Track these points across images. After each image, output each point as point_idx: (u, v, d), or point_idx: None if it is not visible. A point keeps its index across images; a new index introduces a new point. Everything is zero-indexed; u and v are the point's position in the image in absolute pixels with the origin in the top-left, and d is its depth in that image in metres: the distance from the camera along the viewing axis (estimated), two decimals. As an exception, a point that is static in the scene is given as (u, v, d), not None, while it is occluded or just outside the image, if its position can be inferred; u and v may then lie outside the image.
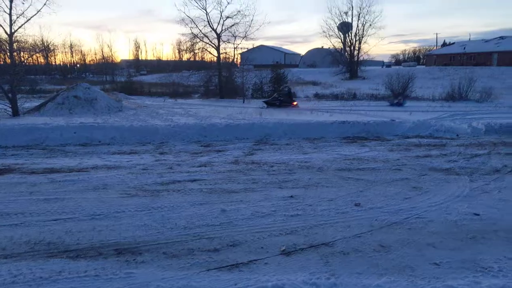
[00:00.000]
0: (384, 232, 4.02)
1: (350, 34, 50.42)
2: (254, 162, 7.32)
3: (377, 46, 63.54)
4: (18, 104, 16.17)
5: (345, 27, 50.40)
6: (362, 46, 50.10)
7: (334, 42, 51.53)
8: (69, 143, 9.17)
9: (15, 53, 17.31)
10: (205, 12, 30.07)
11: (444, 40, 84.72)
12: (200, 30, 30.50)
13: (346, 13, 49.43)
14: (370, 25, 48.48)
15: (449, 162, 7.28)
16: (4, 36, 16.35)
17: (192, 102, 26.20)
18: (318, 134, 10.66)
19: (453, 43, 74.91)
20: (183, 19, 29.88)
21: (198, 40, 31.02)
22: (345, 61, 51.02)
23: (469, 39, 76.15)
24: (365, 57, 52.24)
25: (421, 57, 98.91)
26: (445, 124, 11.65)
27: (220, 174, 6.35)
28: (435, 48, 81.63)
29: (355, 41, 50.10)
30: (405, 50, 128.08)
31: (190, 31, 30.35)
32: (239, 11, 29.86)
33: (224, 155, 8.08)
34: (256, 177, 6.19)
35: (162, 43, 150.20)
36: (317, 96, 30.32)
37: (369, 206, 4.80)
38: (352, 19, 49.61)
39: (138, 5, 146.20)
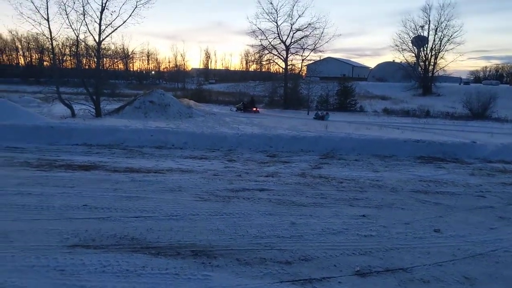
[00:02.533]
0: (468, 263, 3.77)
1: (425, 49, 48.17)
2: (322, 176, 7.25)
3: (455, 61, 59.93)
4: (101, 106, 17.56)
5: (420, 41, 48.24)
6: (438, 61, 47.52)
7: (407, 56, 49.54)
8: (145, 145, 9.75)
9: (100, 60, 18.88)
10: (275, 24, 30.64)
11: (531, 58, 77.62)
12: (270, 42, 31.12)
13: (422, 26, 47.34)
14: (448, 40, 45.92)
15: (540, 192, 6.65)
16: (93, 43, 17.91)
17: (261, 112, 26.61)
18: (389, 151, 10.29)
19: (542, 61, 68.47)
20: (253, 31, 30.70)
21: (266, 51, 31.64)
22: (418, 76, 48.78)
23: (561, 57, 69.18)
24: (441, 73, 49.49)
25: (505, 75, 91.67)
26: (534, 150, 10.67)
27: (288, 186, 6.37)
28: (522, 65, 75.13)
29: (431, 56, 47.72)
30: (486, 67, 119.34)
31: (259, 43, 31.07)
32: (309, 24, 30.11)
33: (291, 167, 8.09)
34: (325, 192, 6.12)
35: (231, 54, 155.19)
36: (386, 111, 29.34)
37: (449, 233, 4.53)
38: (428, 33, 47.44)
39: (211, 17, 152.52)
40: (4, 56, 76.77)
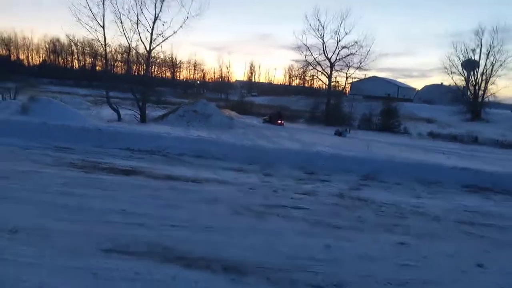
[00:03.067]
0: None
1: (475, 73, 46.24)
2: (361, 199, 7.02)
3: (507, 87, 57.21)
4: (146, 112, 18.17)
5: (470, 65, 46.40)
6: (489, 86, 45.43)
7: (456, 80, 47.75)
8: (186, 153, 9.91)
9: (149, 67, 19.61)
10: (321, 41, 30.58)
11: None
12: (315, 59, 31.06)
13: (473, 50, 45.53)
14: (501, 65, 43.83)
15: None
16: (143, 51, 18.65)
17: (298, 127, 26.50)
18: (433, 177, 9.81)
19: None
20: (299, 47, 30.79)
21: (310, 67, 31.60)
22: (467, 100, 46.80)
23: None
24: (491, 99, 47.27)
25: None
26: None
27: (325, 206, 6.21)
28: None
29: (481, 80, 45.72)
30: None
31: (304, 58, 31.09)
32: (356, 42, 29.82)
33: (329, 186, 7.92)
34: (363, 215, 5.91)
35: (275, 68, 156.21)
36: (432, 135, 28.26)
37: (495, 269, 4.22)
38: (479, 57, 45.53)
39: (257, 30, 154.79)
40: (60, 59, 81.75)
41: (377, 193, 7.73)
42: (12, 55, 78.30)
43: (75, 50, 74.27)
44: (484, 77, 45.64)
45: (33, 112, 12.28)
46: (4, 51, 77.42)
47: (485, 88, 45.95)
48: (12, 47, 78.68)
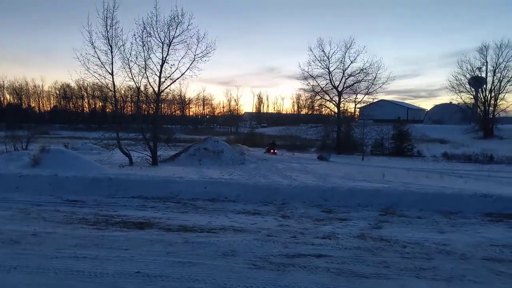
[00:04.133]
0: None
1: (483, 90, 46.07)
2: (383, 239, 6.73)
3: (518, 102, 56.92)
4: (158, 153, 18.17)
5: (477, 82, 46.33)
6: (499, 102, 45.13)
7: (464, 98, 47.58)
8: (199, 198, 9.77)
9: (159, 109, 19.79)
10: (327, 71, 30.80)
11: None
12: (322, 88, 31.21)
13: (479, 68, 45.57)
14: (508, 81, 43.67)
15: None
16: (153, 94, 18.90)
17: (309, 157, 26.28)
18: (454, 207, 9.49)
19: None
20: (305, 78, 31.03)
21: (318, 97, 31.72)
22: (478, 118, 46.37)
23: None
24: (502, 114, 46.83)
25: None
26: None
27: (347, 251, 5.95)
28: None
29: (490, 97, 45.49)
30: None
31: (311, 89, 31.27)
32: (362, 69, 29.92)
33: (348, 226, 7.65)
34: (388, 259, 5.63)
35: (282, 98, 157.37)
36: (446, 156, 27.77)
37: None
38: (486, 74, 45.51)
39: (264, 63, 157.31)
40: (71, 104, 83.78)
41: (399, 230, 7.45)
42: (23, 103, 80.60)
43: (85, 94, 76.14)
44: (492, 93, 45.51)
45: (45, 164, 12.35)
46: (15, 100, 79.79)
47: (495, 105, 45.68)
48: (23, 96, 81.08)
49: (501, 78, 44.73)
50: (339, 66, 30.44)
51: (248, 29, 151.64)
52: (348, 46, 30.09)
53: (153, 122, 18.67)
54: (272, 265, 5.18)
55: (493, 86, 45.42)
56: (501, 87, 44.90)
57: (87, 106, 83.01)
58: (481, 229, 7.72)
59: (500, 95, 45.27)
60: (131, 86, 19.70)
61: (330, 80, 31.00)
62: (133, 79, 17.84)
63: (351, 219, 8.28)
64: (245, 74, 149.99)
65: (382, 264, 5.41)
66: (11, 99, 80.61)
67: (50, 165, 12.14)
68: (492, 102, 45.68)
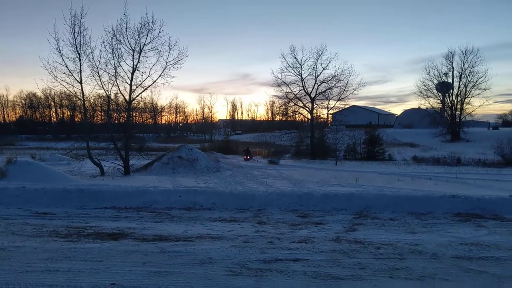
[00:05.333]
0: None
1: (450, 95, 47.92)
2: (358, 241, 6.86)
3: (482, 106, 59.26)
4: (130, 163, 17.83)
5: (444, 88, 48.17)
6: (465, 107, 47.02)
7: (432, 103, 49.38)
8: (174, 207, 9.66)
9: (130, 118, 19.45)
10: (300, 77, 31.24)
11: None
12: (295, 95, 31.62)
13: (446, 74, 47.40)
14: (474, 85, 45.58)
15: None
16: (122, 101, 18.59)
17: (284, 163, 26.46)
18: (425, 208, 9.80)
19: None
20: (278, 85, 31.36)
21: (292, 103, 32.09)
22: (445, 122, 48.11)
23: None
24: (468, 118, 48.80)
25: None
26: None
27: (323, 255, 6.02)
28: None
29: (457, 102, 47.32)
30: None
31: (284, 95, 31.61)
32: (333, 76, 30.51)
33: (324, 230, 7.75)
34: (363, 261, 5.74)
35: (256, 104, 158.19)
36: (416, 159, 28.60)
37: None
38: (452, 79, 47.38)
39: (237, 70, 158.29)
40: (37, 113, 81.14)
41: (373, 232, 7.61)
42: (-13, 115, 77.44)
43: (53, 103, 73.99)
44: (459, 98, 47.33)
45: (12, 176, 11.90)
46: (-22, 111, 76.56)
47: (461, 109, 47.53)
48: (-14, 107, 77.99)
49: (466, 83, 46.70)
50: (311, 73, 30.96)
51: (221, 35, 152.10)
52: (320, 53, 30.69)
53: (124, 131, 18.32)
54: (249, 271, 5.18)
55: (459, 91, 47.37)
56: (467, 92, 46.86)
57: (54, 115, 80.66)
58: (450, 229, 7.99)
59: (466, 100, 47.22)
60: (101, 95, 19.31)
61: (303, 86, 31.47)
62: (103, 87, 17.50)
63: (326, 222, 8.39)
64: (218, 81, 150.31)
65: (357, 266, 5.51)
66: (-26, 111, 77.44)
67: (17, 177, 11.70)
68: (459, 106, 47.54)
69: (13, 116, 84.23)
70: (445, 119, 48.79)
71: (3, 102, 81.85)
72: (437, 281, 5.00)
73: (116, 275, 4.91)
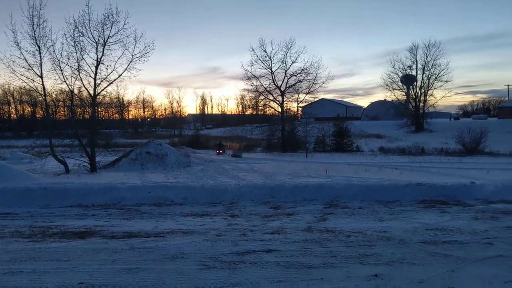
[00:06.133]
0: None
1: (414, 87, 49.43)
2: (329, 230, 6.97)
3: (444, 98, 61.41)
4: (96, 160, 17.28)
5: (409, 80, 49.63)
6: (428, 98, 48.68)
7: (397, 95, 50.77)
8: (144, 203, 9.47)
9: (95, 113, 18.83)
10: (270, 70, 31.26)
11: (517, 91, 79.33)
12: (265, 88, 31.63)
13: (410, 66, 48.81)
14: (436, 78, 47.23)
15: (549, 237, 6.41)
16: (86, 96, 17.96)
17: (256, 156, 26.51)
18: (392, 197, 10.11)
19: (528, 93, 70.28)
20: (248, 78, 31.26)
21: (262, 97, 32.09)
22: (410, 113, 49.64)
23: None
24: (431, 109, 50.54)
25: (491, 108, 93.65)
26: (536, 188, 10.52)
27: (295, 244, 6.08)
28: (506, 99, 77.05)
29: (420, 93, 48.92)
30: (473, 101, 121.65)
31: (255, 89, 31.56)
32: (303, 69, 30.69)
33: (296, 220, 7.83)
34: (334, 249, 5.83)
35: (227, 98, 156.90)
36: (383, 150, 29.38)
37: (465, 290, 4.24)
38: (416, 72, 48.86)
39: (206, 63, 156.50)
40: (-5, 110, 77.17)
41: (343, 221, 7.76)
42: None
43: (12, 100, 70.56)
44: (422, 90, 48.83)
45: (-30, 176, 11.27)
46: None
47: (425, 100, 49.12)
48: None
49: (429, 76, 48.27)
50: (281, 66, 31.02)
51: (188, 28, 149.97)
52: (289, 46, 30.77)
53: (89, 126, 17.72)
54: (222, 264, 5.15)
55: (422, 83, 48.90)
56: (430, 84, 48.45)
57: (14, 112, 76.98)
58: (416, 215, 8.28)
59: (429, 92, 48.81)
60: (63, 89, 18.49)
61: (273, 80, 31.51)
62: (65, 81, 16.75)
63: (298, 213, 8.47)
64: (186, 75, 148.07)
65: (328, 254, 5.60)
66: None
67: (-25, 178, 11.09)
68: (422, 98, 49.12)
69: (-32, 114, 79.78)
70: (409, 110, 50.32)
71: (-42, 99, 77.29)
72: (405, 265, 5.15)
73: (84, 274, 4.75)
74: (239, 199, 9.89)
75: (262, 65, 31.08)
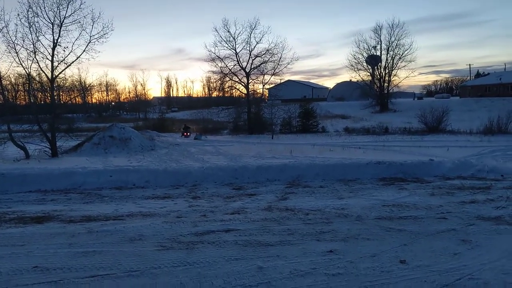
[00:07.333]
0: (436, 298, 3.74)
1: (379, 67, 50.37)
2: (288, 208, 7.16)
3: (408, 78, 63.04)
4: (58, 144, 16.79)
5: (373, 60, 50.44)
6: (392, 79, 49.82)
7: (362, 75, 51.60)
8: (105, 187, 9.34)
9: (55, 95, 18.19)
10: (234, 51, 31.01)
11: (478, 71, 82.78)
12: (230, 70, 31.43)
13: (374, 47, 49.60)
14: (400, 58, 48.31)
15: (498, 209, 6.87)
16: (46, 80, 17.29)
17: (222, 139, 26.53)
18: (353, 175, 10.42)
19: (488, 73, 73.26)
20: (213, 59, 30.92)
21: (227, 78, 31.89)
22: (375, 94, 50.74)
23: (505, 69, 74.24)
24: (395, 90, 51.82)
25: (454, 88, 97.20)
26: (488, 163, 11.17)
27: (254, 223, 6.21)
28: (468, 78, 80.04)
29: (385, 74, 49.96)
30: (436, 81, 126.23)
31: (220, 70, 31.28)
32: (267, 50, 30.66)
33: (257, 200, 7.97)
34: (292, 227, 6.01)
35: (192, 81, 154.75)
36: (348, 130, 30.06)
37: (415, 263, 4.51)
38: (381, 52, 49.74)
39: (170, 45, 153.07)
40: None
41: (303, 200, 7.96)
42: None
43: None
44: (387, 70, 49.90)
45: None
46: None
47: (389, 81, 50.23)
48: None
49: (393, 56, 49.30)
50: (245, 47, 30.86)
51: (151, 8, 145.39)
52: (253, 26, 30.59)
53: (49, 111, 17.13)
54: (181, 245, 5.21)
55: (387, 64, 49.90)
56: (394, 64, 49.53)
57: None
58: (375, 192, 8.60)
59: (393, 72, 49.90)
60: (22, 73, 17.73)
61: (237, 61, 31.33)
62: (21, 64, 16.09)
63: (259, 193, 8.62)
64: (150, 56, 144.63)
65: (286, 232, 5.77)
66: None
67: None
68: (387, 78, 50.20)
69: None
70: (374, 91, 51.37)
71: None
72: (360, 240, 5.38)
73: (39, 258, 4.69)
74: (202, 181, 9.94)
75: (226, 46, 30.83)
